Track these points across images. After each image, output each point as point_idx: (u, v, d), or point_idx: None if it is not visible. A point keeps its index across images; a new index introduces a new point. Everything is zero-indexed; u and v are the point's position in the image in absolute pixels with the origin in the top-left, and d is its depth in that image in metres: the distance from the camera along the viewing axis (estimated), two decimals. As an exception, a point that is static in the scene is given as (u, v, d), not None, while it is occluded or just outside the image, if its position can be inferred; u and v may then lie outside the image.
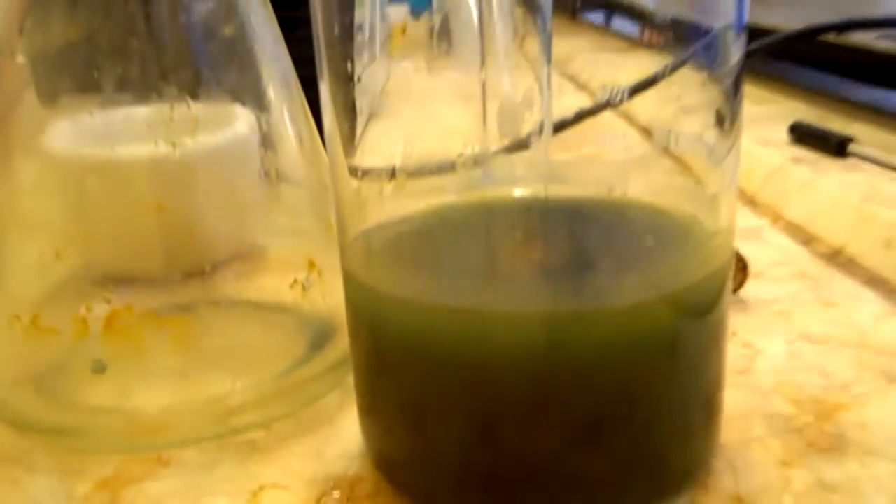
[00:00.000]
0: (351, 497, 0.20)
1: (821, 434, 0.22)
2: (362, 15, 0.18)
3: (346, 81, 0.19)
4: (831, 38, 0.55)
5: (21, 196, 0.23)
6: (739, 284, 0.30)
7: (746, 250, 0.30)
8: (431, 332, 0.18)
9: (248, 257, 0.25)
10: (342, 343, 0.22)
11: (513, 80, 0.19)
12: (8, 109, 0.23)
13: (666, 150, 0.18)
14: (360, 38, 0.18)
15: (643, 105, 0.18)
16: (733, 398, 0.21)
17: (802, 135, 0.46)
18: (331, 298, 0.24)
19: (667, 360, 0.18)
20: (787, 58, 0.62)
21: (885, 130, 0.48)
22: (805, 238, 0.36)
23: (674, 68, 0.17)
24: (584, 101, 0.19)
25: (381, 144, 0.19)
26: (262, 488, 0.21)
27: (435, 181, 0.20)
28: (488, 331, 0.17)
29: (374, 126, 0.19)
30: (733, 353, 0.26)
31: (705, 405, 0.20)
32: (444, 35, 0.18)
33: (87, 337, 0.22)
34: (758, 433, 0.22)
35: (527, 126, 0.19)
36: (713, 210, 0.19)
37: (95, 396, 0.23)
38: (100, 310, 0.22)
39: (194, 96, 0.22)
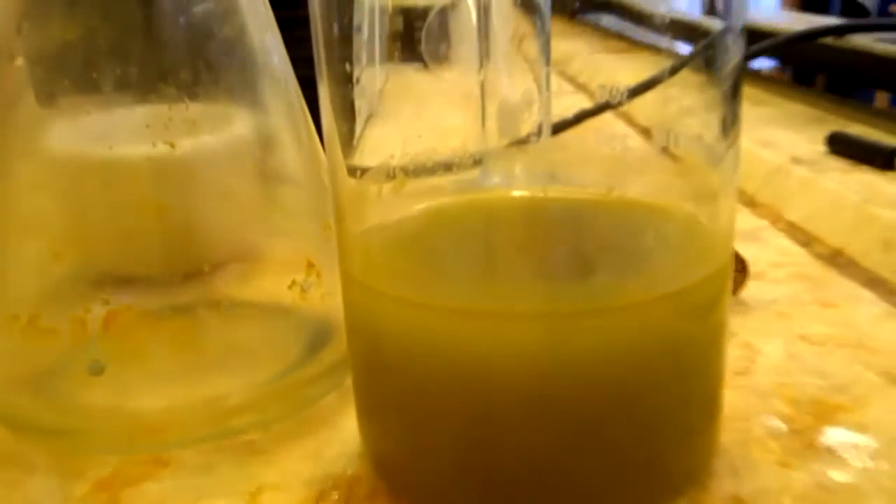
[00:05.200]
0: (349, 498, 0.20)
1: (820, 435, 0.22)
2: (361, 16, 0.18)
3: (345, 82, 0.19)
4: (830, 40, 0.55)
5: (19, 196, 0.23)
6: (739, 285, 0.30)
7: (746, 251, 0.30)
8: (430, 333, 0.18)
9: (246, 258, 0.24)
10: (341, 344, 0.22)
11: (512, 80, 0.19)
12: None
13: (665, 151, 0.18)
14: (359, 38, 0.18)
15: (643, 105, 0.18)
16: (733, 399, 0.21)
17: (842, 146, 0.43)
18: (329, 299, 0.24)
19: (666, 361, 0.18)
20: (786, 60, 0.62)
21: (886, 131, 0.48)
22: (805, 239, 0.36)
23: (673, 70, 0.17)
24: (584, 102, 0.19)
25: (380, 145, 0.19)
26: (260, 489, 0.21)
27: (434, 181, 0.20)
28: (487, 331, 0.17)
29: (372, 126, 0.19)
30: (733, 354, 0.25)
31: (705, 406, 0.19)
32: (443, 35, 0.18)
33: (86, 338, 0.22)
34: (757, 434, 0.22)
35: (526, 126, 0.19)
36: (713, 210, 0.19)
37: (94, 397, 0.23)
38: (98, 310, 0.22)
39: (193, 97, 0.22)
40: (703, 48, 0.18)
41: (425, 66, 0.19)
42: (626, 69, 0.18)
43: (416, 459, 0.20)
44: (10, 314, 0.23)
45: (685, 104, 0.18)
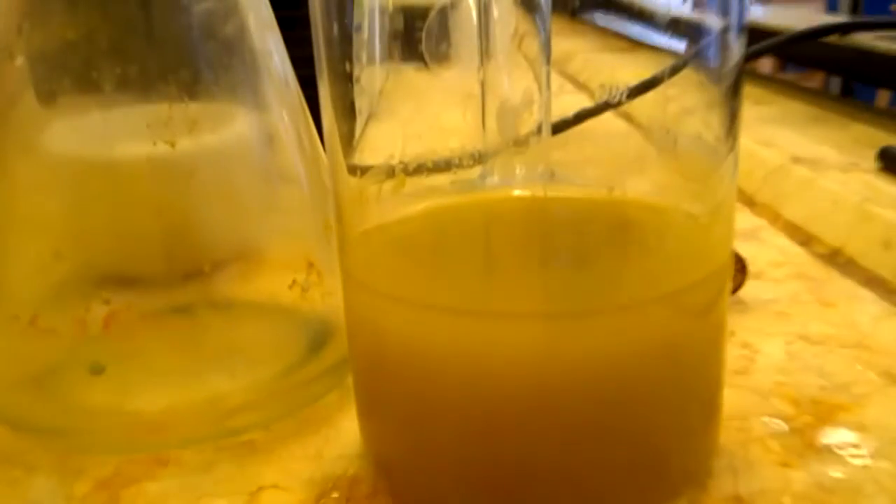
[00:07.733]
0: (350, 498, 0.20)
1: (821, 435, 0.22)
2: (361, 15, 0.18)
3: (345, 81, 0.19)
4: (834, 39, 0.55)
5: (20, 196, 0.23)
6: (738, 285, 0.30)
7: (745, 250, 0.30)
8: (430, 333, 0.18)
9: (247, 258, 0.24)
10: (341, 344, 0.22)
11: (512, 79, 0.19)
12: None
13: (665, 150, 0.18)
14: (360, 38, 0.18)
15: (643, 105, 0.18)
16: (732, 399, 0.21)
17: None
18: (330, 299, 0.24)
19: (666, 361, 0.18)
20: (790, 59, 0.62)
21: (887, 132, 0.48)
22: (804, 238, 0.36)
23: (674, 70, 0.17)
24: (584, 101, 0.19)
25: (380, 144, 0.19)
26: (260, 489, 0.21)
27: (434, 181, 0.20)
28: (487, 331, 0.17)
29: (373, 126, 0.19)
30: (732, 354, 0.26)
31: (704, 406, 0.19)
32: (443, 34, 0.18)
33: (86, 337, 0.22)
34: (757, 434, 0.22)
35: (526, 126, 0.19)
36: (712, 210, 0.19)
37: (94, 397, 0.23)
38: (98, 310, 0.22)
39: (193, 96, 0.22)
40: (704, 47, 0.18)
41: (425, 65, 0.19)
42: (626, 68, 0.18)
43: (416, 459, 0.20)
44: (11, 314, 0.23)
45: (685, 103, 0.18)
